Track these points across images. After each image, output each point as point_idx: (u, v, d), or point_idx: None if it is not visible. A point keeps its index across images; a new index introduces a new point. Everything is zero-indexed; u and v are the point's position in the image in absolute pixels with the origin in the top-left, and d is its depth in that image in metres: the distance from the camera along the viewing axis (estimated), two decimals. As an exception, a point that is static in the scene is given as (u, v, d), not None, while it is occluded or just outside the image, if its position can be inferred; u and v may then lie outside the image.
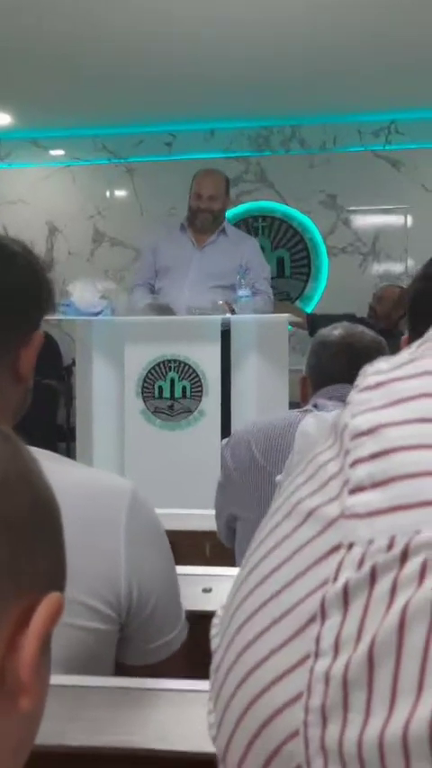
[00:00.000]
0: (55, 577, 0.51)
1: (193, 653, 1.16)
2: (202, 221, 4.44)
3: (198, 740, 0.86)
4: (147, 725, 0.91)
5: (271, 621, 0.43)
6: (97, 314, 3.90)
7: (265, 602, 0.44)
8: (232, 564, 1.90)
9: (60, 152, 6.41)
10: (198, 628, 1.18)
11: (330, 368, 1.90)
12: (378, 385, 0.44)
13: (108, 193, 6.43)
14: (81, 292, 3.89)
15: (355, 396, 0.44)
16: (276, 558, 0.44)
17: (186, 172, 4.79)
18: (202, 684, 0.98)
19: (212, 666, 0.47)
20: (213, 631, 0.50)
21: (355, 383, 0.45)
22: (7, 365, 1.04)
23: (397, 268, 6.04)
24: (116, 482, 1.14)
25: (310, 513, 0.44)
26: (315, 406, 1.88)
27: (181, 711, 0.93)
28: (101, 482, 1.13)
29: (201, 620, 1.18)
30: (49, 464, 0.54)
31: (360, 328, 2.06)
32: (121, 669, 1.14)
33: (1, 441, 0.50)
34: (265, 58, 4.76)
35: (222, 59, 4.78)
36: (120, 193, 6.43)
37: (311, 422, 1.80)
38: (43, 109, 5.74)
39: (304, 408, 1.93)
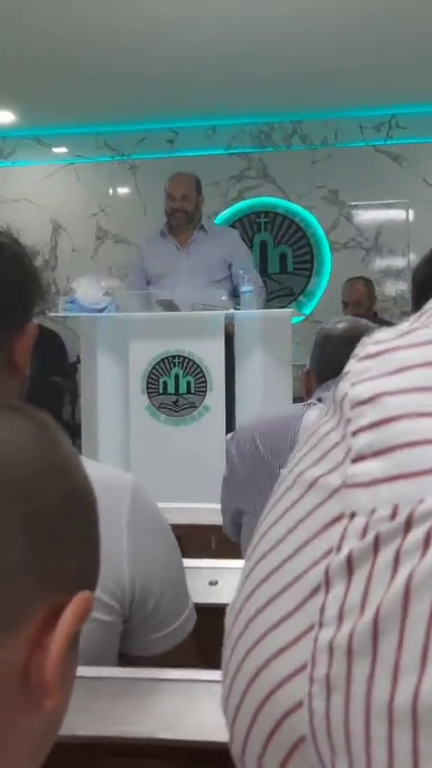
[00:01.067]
0: (86, 575, 0.50)
1: (200, 644, 1.17)
2: (177, 220, 4.55)
3: (205, 730, 0.87)
4: (154, 715, 0.92)
5: (277, 591, 0.43)
6: (101, 310, 3.91)
7: (272, 571, 0.44)
8: (238, 557, 1.91)
9: (63, 149, 6.41)
10: (205, 620, 1.18)
11: (335, 361, 1.89)
12: (377, 354, 0.44)
13: (111, 191, 6.43)
14: (85, 289, 3.90)
15: (354, 365, 0.44)
16: (282, 527, 0.45)
17: (189, 169, 4.80)
18: (210, 674, 0.99)
19: (225, 634, 0.48)
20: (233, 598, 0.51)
21: (354, 353, 0.45)
22: (2, 357, 1.04)
23: (399, 262, 6.04)
24: (118, 475, 1.15)
25: (312, 483, 0.44)
26: (319, 399, 1.89)
27: (188, 701, 0.94)
28: (103, 475, 1.14)
29: (207, 613, 1.19)
30: None
31: (363, 321, 2.07)
32: (125, 660, 1.15)
33: (38, 432, 0.48)
34: (266, 55, 4.75)
35: (223, 56, 4.78)
36: (123, 191, 6.43)
37: (315, 416, 1.81)
38: (46, 107, 5.74)
39: (308, 402, 1.94)
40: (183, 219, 4.55)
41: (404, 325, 0.46)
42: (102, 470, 1.17)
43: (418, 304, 1.41)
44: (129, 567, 1.08)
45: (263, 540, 0.46)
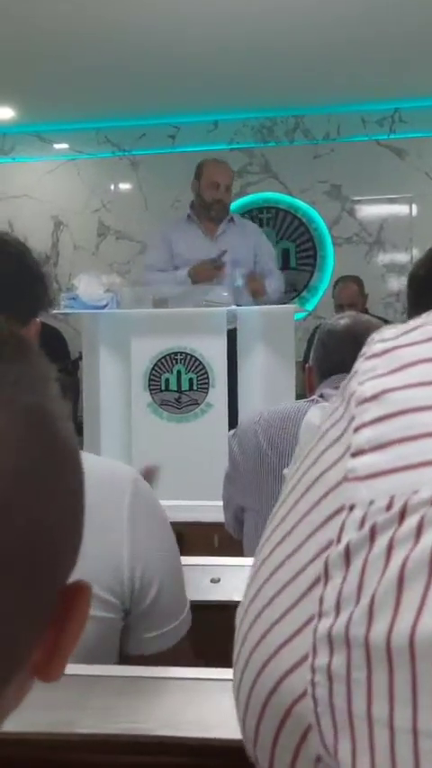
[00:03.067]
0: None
1: (201, 642, 1.17)
2: (218, 211, 4.47)
3: (206, 727, 0.87)
4: (155, 712, 0.91)
5: (282, 585, 0.44)
6: (103, 307, 3.90)
7: (277, 567, 0.45)
8: (240, 554, 1.91)
9: (64, 145, 6.40)
10: (207, 617, 1.18)
11: (337, 357, 1.89)
12: (384, 352, 0.45)
13: (112, 187, 6.42)
14: (86, 286, 3.89)
15: (361, 364, 0.45)
16: (288, 524, 0.46)
17: (190, 164, 4.79)
18: (210, 672, 0.98)
19: (236, 628, 0.49)
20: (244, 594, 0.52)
21: (362, 351, 0.46)
22: None
23: (402, 257, 6.02)
24: (119, 469, 1.15)
25: (316, 479, 0.45)
26: (321, 396, 1.88)
27: (189, 699, 0.94)
28: (104, 468, 1.13)
29: (209, 610, 1.18)
30: None
31: (365, 317, 2.06)
32: (121, 658, 1.14)
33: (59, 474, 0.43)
34: (268, 49, 4.74)
35: (225, 51, 4.77)
36: (124, 186, 6.42)
37: (317, 414, 1.80)
38: (46, 102, 5.73)
39: (310, 398, 1.93)
40: (223, 211, 4.47)
41: (413, 322, 0.46)
42: (102, 463, 1.16)
43: (417, 303, 1.40)
44: (129, 559, 1.08)
45: (270, 538, 0.47)
